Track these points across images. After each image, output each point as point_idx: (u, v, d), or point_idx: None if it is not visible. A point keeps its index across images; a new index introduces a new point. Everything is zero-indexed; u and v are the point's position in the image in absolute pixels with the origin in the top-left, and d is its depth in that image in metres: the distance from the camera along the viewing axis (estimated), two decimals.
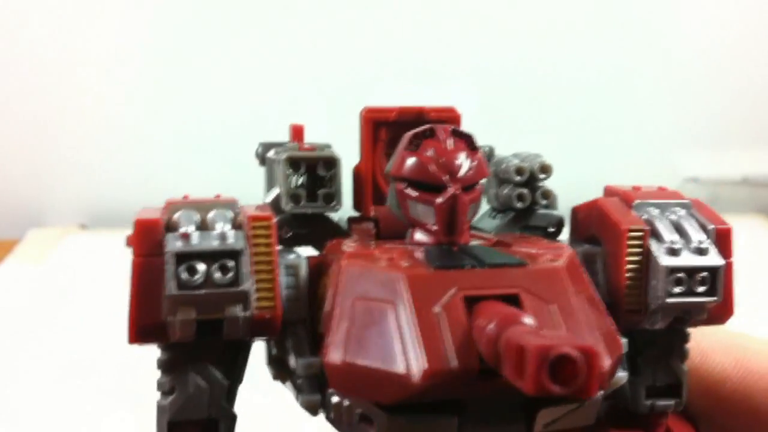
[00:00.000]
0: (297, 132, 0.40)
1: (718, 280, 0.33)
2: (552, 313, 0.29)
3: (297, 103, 1.14)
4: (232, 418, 0.33)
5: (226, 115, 1.15)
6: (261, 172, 0.42)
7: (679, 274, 0.33)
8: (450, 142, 0.33)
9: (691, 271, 0.33)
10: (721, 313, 0.35)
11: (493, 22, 1.13)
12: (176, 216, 0.31)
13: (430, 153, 0.33)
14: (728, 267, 0.34)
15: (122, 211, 1.20)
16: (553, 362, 0.22)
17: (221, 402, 0.32)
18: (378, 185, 0.39)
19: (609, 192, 0.37)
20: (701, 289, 0.33)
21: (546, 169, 0.38)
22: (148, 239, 0.30)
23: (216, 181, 1.20)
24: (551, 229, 0.39)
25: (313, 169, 0.36)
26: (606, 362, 0.29)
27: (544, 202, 0.38)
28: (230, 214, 0.31)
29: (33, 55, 1.11)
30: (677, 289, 0.33)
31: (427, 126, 0.33)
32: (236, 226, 0.31)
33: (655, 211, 0.35)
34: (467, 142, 0.33)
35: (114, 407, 0.69)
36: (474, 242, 0.34)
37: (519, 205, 0.38)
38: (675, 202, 0.35)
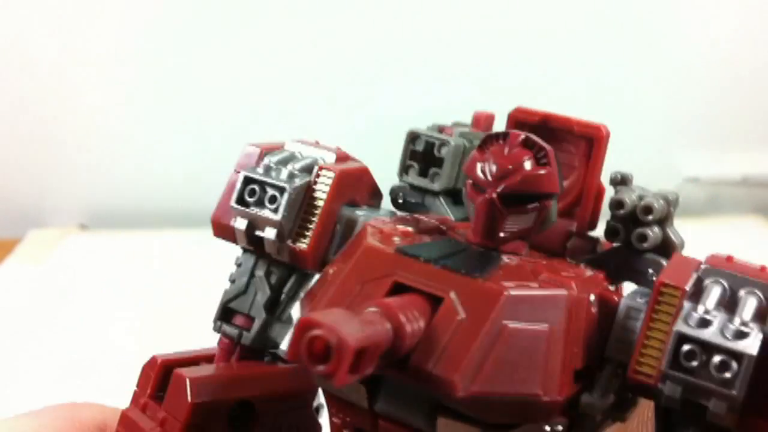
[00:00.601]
0: (479, 120, 0.43)
1: (743, 371, 0.27)
2: (455, 324, 0.28)
3: (299, 105, 1.14)
4: (267, 323, 0.38)
5: (226, 116, 1.15)
6: None
7: (691, 346, 0.28)
8: (512, 149, 0.33)
9: (710, 349, 0.28)
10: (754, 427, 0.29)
11: (492, 22, 1.13)
12: (272, 150, 0.38)
13: (487, 154, 0.33)
14: None
15: (122, 211, 1.20)
16: (311, 339, 0.23)
17: (261, 308, 0.38)
18: None
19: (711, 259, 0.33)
20: (718, 374, 0.28)
21: (648, 210, 0.35)
22: (246, 160, 0.38)
23: (216, 181, 1.20)
24: (653, 278, 0.35)
25: (431, 148, 0.39)
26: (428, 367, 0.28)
27: (641, 245, 0.35)
28: (310, 160, 0.37)
29: (33, 56, 1.11)
30: (689, 364, 0.28)
31: (503, 130, 0.34)
32: (307, 169, 0.37)
33: (720, 280, 0.30)
34: (536, 153, 0.33)
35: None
36: (507, 256, 0.33)
37: (610, 240, 0.36)
38: (757, 282, 0.30)
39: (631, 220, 0.35)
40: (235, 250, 0.40)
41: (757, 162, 1.22)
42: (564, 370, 0.29)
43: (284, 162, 0.37)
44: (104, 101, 1.14)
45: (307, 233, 0.36)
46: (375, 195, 0.39)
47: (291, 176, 0.36)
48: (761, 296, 0.29)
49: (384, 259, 0.31)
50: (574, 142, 0.36)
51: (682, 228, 0.35)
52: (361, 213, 0.37)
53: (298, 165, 0.37)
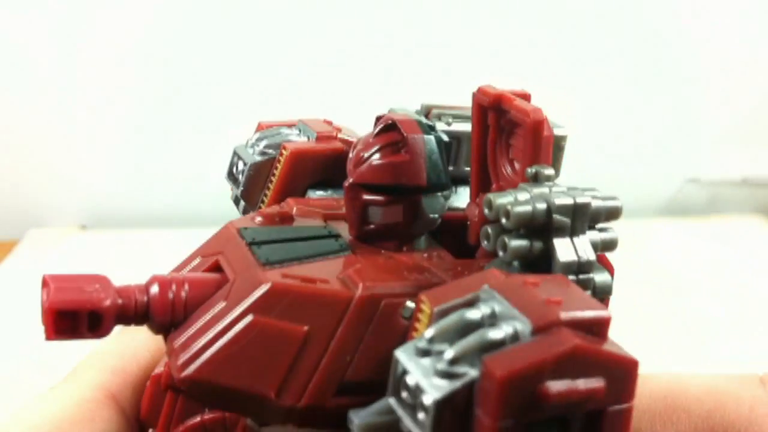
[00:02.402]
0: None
1: (429, 418, 0.22)
2: (217, 307, 0.27)
3: (301, 108, 1.14)
4: None
5: (226, 115, 1.15)
6: None
7: (408, 380, 0.23)
8: (376, 136, 0.31)
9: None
10: None
11: (492, 23, 1.13)
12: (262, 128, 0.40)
13: (360, 138, 0.32)
14: (481, 429, 0.21)
15: (122, 211, 1.20)
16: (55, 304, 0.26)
17: None
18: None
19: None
20: (418, 413, 0.22)
21: (505, 214, 0.28)
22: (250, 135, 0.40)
23: (216, 181, 1.20)
24: None
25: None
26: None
27: (501, 254, 0.29)
28: (283, 138, 0.38)
29: (33, 56, 1.11)
30: (405, 394, 0.23)
31: (380, 114, 0.33)
32: (277, 147, 0.38)
33: (491, 305, 0.24)
34: (393, 140, 0.31)
35: None
36: (360, 251, 0.31)
37: (484, 244, 0.30)
38: (521, 315, 0.23)
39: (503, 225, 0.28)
40: None
41: (757, 162, 1.22)
42: (321, 377, 0.26)
43: (265, 138, 0.39)
44: (104, 101, 1.14)
45: (262, 206, 0.37)
46: None
47: (262, 153, 0.38)
48: (510, 330, 0.23)
49: (225, 236, 0.31)
50: (522, 126, 0.30)
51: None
52: (319, 193, 0.37)
53: (273, 142, 0.38)
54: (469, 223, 0.32)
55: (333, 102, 1.05)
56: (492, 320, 0.24)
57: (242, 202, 0.38)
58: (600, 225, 0.29)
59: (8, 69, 1.11)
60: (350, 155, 0.32)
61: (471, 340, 0.23)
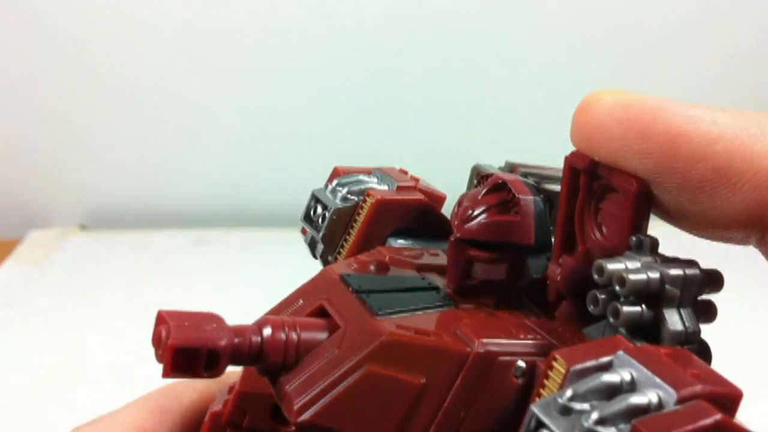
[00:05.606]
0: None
1: None
2: (330, 354, 0.28)
3: (300, 106, 1.14)
4: None
5: (226, 115, 1.15)
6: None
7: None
8: (485, 194, 0.32)
9: None
10: None
11: (489, 24, 1.13)
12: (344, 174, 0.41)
13: (465, 195, 0.33)
14: None
15: (122, 211, 1.20)
16: (157, 331, 0.27)
17: None
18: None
19: None
20: None
21: (620, 282, 0.29)
22: (328, 179, 0.40)
23: (216, 181, 1.20)
24: None
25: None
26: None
27: (613, 320, 0.29)
28: (366, 185, 0.39)
29: (33, 56, 1.11)
30: None
31: (490, 172, 0.34)
32: (360, 193, 0.38)
33: (629, 370, 0.25)
34: (502, 199, 0.32)
35: (113, 408, 0.69)
36: (464, 306, 0.32)
37: (591, 309, 0.30)
38: (662, 384, 0.24)
39: (612, 290, 0.29)
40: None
41: None
42: (436, 429, 0.27)
43: (347, 185, 0.39)
44: (105, 102, 1.14)
45: (343, 251, 0.37)
46: (440, 228, 0.39)
47: (344, 199, 0.38)
48: (654, 397, 0.24)
49: (326, 281, 0.31)
50: (621, 195, 0.31)
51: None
52: (400, 242, 0.38)
53: (355, 188, 0.38)
54: (549, 282, 0.33)
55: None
56: (631, 386, 0.24)
57: (319, 245, 0.38)
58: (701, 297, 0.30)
59: (8, 69, 1.12)
60: (454, 210, 0.32)
61: (615, 404, 0.23)
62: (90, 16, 1.10)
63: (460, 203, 0.32)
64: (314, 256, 0.39)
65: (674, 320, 0.28)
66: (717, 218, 0.28)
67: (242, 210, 1.14)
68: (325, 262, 0.38)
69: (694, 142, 0.27)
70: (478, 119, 1.14)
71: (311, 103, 1.14)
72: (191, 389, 0.40)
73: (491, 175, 0.33)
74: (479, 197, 0.32)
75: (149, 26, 1.10)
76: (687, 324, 0.28)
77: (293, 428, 0.27)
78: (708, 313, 0.30)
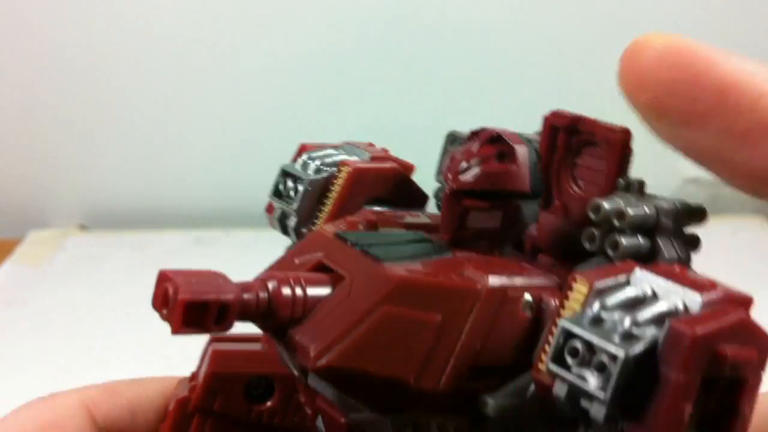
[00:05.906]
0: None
1: (615, 374, 0.23)
2: (339, 302, 0.28)
3: (301, 105, 1.14)
4: None
5: (227, 116, 1.15)
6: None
7: (577, 344, 0.24)
8: (479, 146, 0.33)
9: (592, 348, 0.24)
10: None
11: (488, 25, 1.13)
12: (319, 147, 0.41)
13: (457, 150, 0.33)
14: (670, 385, 0.23)
15: (122, 211, 1.20)
16: (162, 289, 0.26)
17: None
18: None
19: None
20: (593, 375, 0.24)
21: (620, 215, 0.30)
22: (295, 156, 0.40)
23: (216, 181, 1.20)
24: None
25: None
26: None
27: (613, 253, 0.31)
28: (340, 157, 0.39)
29: (33, 56, 1.11)
30: (573, 361, 0.25)
31: (480, 128, 0.34)
32: (334, 165, 0.38)
33: (649, 284, 0.26)
34: (499, 150, 0.33)
35: None
36: (461, 252, 0.32)
37: (587, 245, 0.31)
38: (685, 289, 0.26)
39: (609, 226, 0.30)
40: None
41: None
42: (456, 362, 0.28)
43: (318, 158, 0.39)
44: (105, 101, 1.14)
45: (318, 222, 0.37)
46: (413, 196, 0.40)
47: (317, 170, 0.38)
48: (679, 303, 0.25)
49: (321, 240, 0.32)
50: (602, 147, 0.34)
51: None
52: (375, 209, 0.38)
53: (328, 160, 0.38)
54: (525, 237, 0.34)
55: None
56: (654, 298, 0.26)
57: (292, 218, 0.38)
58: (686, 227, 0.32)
59: (8, 69, 1.12)
60: (446, 165, 0.33)
61: (646, 310, 0.25)
62: (90, 16, 1.10)
63: (452, 158, 0.33)
64: (284, 231, 0.39)
65: (669, 249, 0.31)
66: (755, 169, 0.29)
67: (242, 210, 1.14)
68: (299, 236, 0.38)
69: (746, 93, 0.28)
70: (476, 119, 1.14)
71: (311, 103, 1.14)
72: (156, 382, 0.39)
73: (480, 131, 0.34)
74: (474, 150, 0.33)
75: (149, 26, 1.10)
76: (679, 253, 0.31)
77: (317, 372, 0.27)
78: (694, 243, 0.32)
